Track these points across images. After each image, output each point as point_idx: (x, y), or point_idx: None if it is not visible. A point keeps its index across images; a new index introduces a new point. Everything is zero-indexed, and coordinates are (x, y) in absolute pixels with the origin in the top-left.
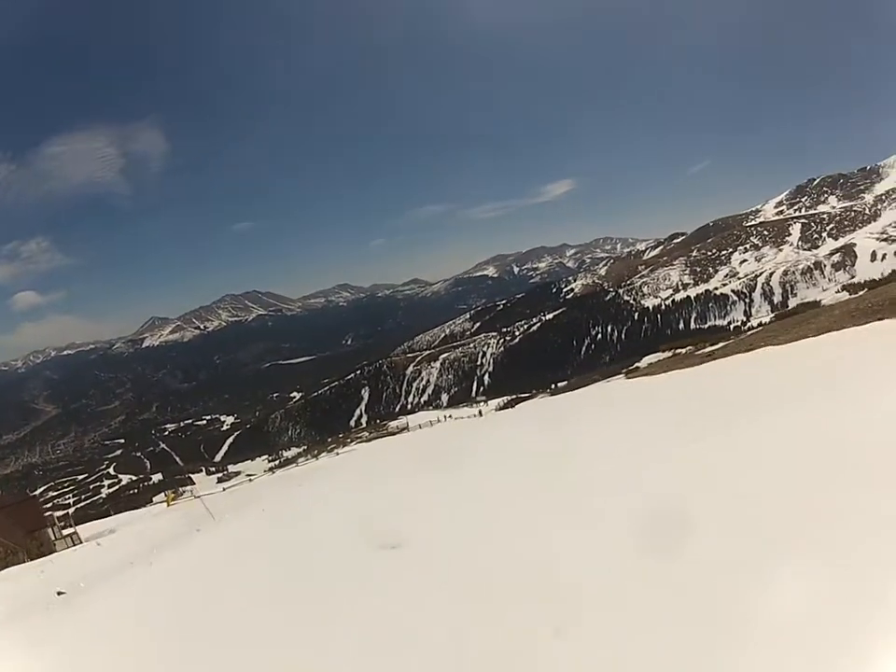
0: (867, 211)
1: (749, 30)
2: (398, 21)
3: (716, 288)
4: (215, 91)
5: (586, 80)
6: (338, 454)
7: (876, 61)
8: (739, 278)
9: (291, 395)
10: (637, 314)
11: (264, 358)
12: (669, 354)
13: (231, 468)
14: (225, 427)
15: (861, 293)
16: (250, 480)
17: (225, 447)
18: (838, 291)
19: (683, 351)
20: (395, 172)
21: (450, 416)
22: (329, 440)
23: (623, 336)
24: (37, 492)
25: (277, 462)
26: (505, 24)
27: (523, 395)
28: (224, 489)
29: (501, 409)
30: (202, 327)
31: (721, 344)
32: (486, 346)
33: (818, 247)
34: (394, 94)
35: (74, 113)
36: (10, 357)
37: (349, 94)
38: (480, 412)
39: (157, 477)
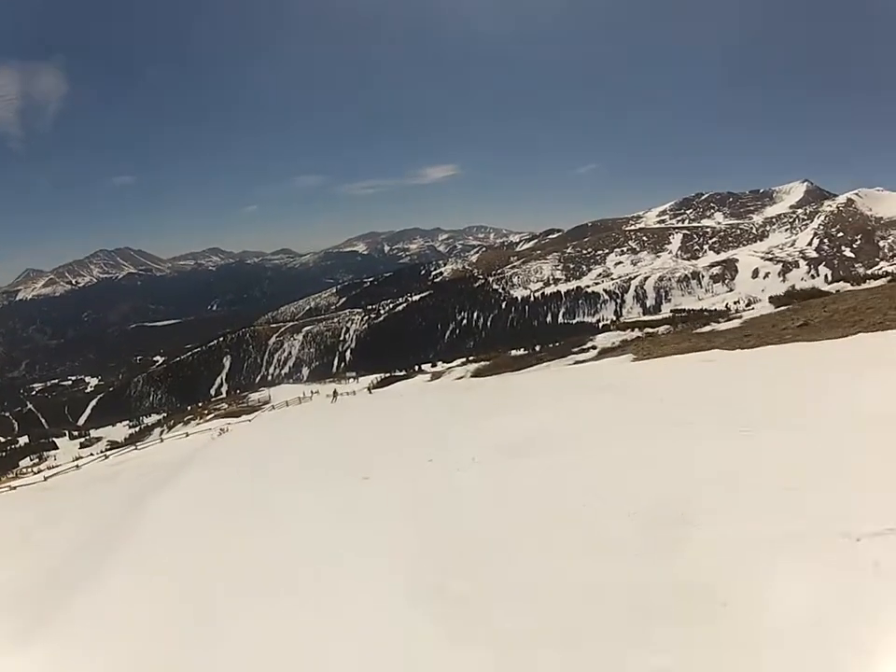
0: (754, 231)
1: (653, 42)
2: None
3: (588, 286)
4: (117, 39)
5: (480, 68)
6: (188, 434)
7: (778, 89)
8: (613, 279)
9: (154, 359)
10: (504, 303)
11: (131, 319)
12: (637, 332)
13: (94, 432)
14: (89, 389)
15: None
16: (77, 467)
17: (88, 410)
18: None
19: (660, 331)
20: (273, 138)
21: (316, 392)
22: (189, 408)
23: (489, 323)
24: None
25: (137, 429)
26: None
27: (397, 374)
28: (45, 478)
29: (376, 387)
30: (73, 282)
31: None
32: (350, 322)
33: (698, 258)
34: (279, 58)
35: None
36: None
37: (236, 58)
38: (354, 391)
39: (23, 440)
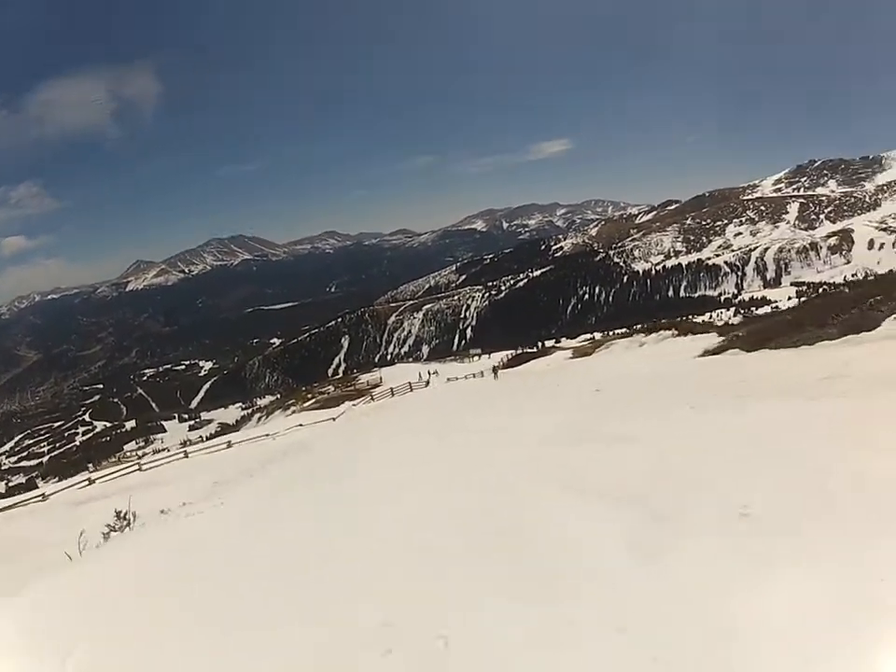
0: (867, 199)
1: (760, 8)
2: None
3: (708, 258)
4: (209, 34)
5: (588, 40)
6: (230, 444)
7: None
8: (733, 250)
9: (271, 341)
10: (626, 277)
11: (247, 303)
12: None
13: (205, 415)
14: (203, 373)
15: None
16: (43, 497)
17: (201, 393)
18: None
19: None
20: (386, 120)
21: (434, 373)
22: (304, 389)
23: (610, 298)
24: (14, 441)
25: (249, 411)
26: None
27: (529, 350)
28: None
29: (506, 366)
30: (186, 270)
31: None
32: (471, 300)
33: (814, 228)
34: (386, 43)
35: (68, 57)
36: None
37: (343, 42)
38: (495, 370)
39: (130, 424)
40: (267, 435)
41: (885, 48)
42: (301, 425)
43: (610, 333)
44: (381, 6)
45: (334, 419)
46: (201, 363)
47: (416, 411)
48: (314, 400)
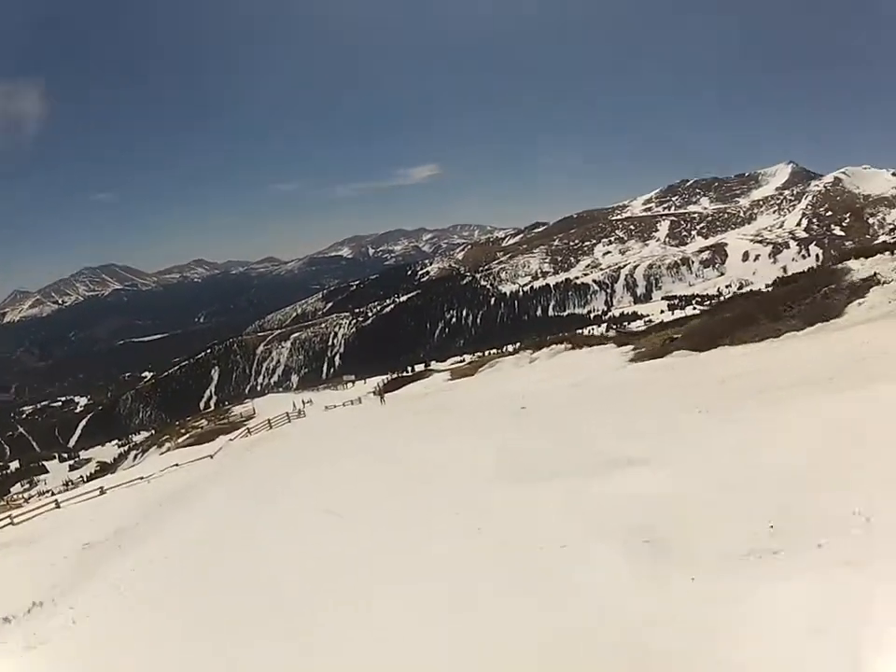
0: (742, 214)
1: (630, 27)
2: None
3: (577, 278)
4: (94, 55)
5: (457, 67)
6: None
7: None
8: (602, 269)
9: (143, 374)
10: (493, 299)
11: (119, 335)
12: None
13: (84, 453)
14: (79, 409)
15: None
16: None
17: (79, 430)
18: None
19: None
20: (250, 145)
21: (309, 402)
22: (178, 424)
23: (478, 320)
24: None
25: (126, 448)
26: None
27: (405, 375)
28: None
29: (385, 390)
30: (60, 301)
31: None
32: (338, 327)
33: (686, 244)
34: (254, 66)
35: None
36: None
37: (212, 68)
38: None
39: (15, 465)
40: (142, 478)
41: (769, 70)
42: (177, 464)
43: (485, 354)
44: (242, 30)
45: (211, 456)
46: (76, 399)
47: (305, 443)
48: (188, 436)
